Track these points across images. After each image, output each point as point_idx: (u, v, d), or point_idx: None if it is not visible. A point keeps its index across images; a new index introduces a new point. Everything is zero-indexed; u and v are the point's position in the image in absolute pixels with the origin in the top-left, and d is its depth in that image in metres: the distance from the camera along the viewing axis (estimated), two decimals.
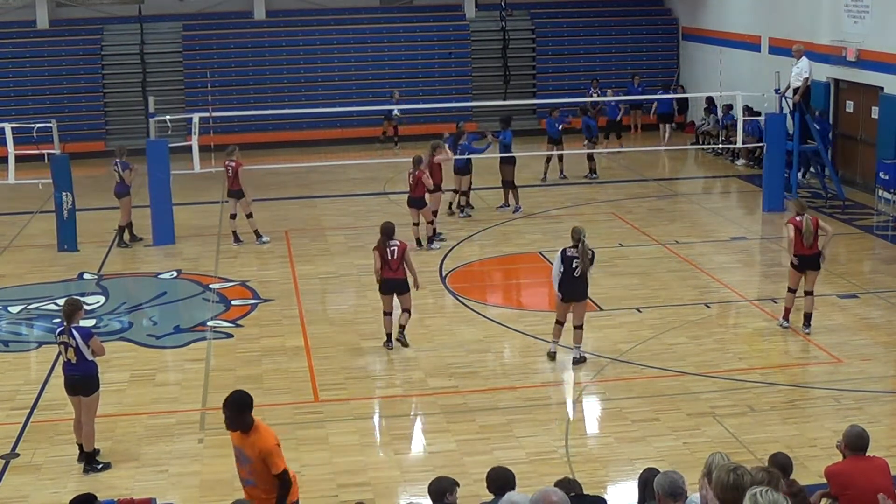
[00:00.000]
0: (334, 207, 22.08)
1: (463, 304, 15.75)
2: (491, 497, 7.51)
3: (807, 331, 13.86)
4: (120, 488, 10.23)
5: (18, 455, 11.10)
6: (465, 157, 20.11)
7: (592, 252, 12.97)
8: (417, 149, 20.84)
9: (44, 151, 18.82)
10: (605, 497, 8.87)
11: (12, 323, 15.47)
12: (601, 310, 15.17)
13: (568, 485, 7.22)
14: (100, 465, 10.72)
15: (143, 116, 24.96)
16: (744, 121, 21.79)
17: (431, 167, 18.68)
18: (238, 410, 7.86)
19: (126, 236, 19.21)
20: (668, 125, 28.22)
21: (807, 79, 20.48)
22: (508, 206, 20.86)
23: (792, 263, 13.78)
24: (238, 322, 15.15)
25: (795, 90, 20.57)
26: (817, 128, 21.16)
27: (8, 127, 18.87)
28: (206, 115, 22.28)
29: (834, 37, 22.39)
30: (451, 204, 20.65)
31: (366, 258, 17.84)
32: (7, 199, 22.34)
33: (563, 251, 12.83)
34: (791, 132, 21.08)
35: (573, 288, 12.90)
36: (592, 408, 12.27)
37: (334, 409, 12.09)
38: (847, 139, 22.66)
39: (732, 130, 24.16)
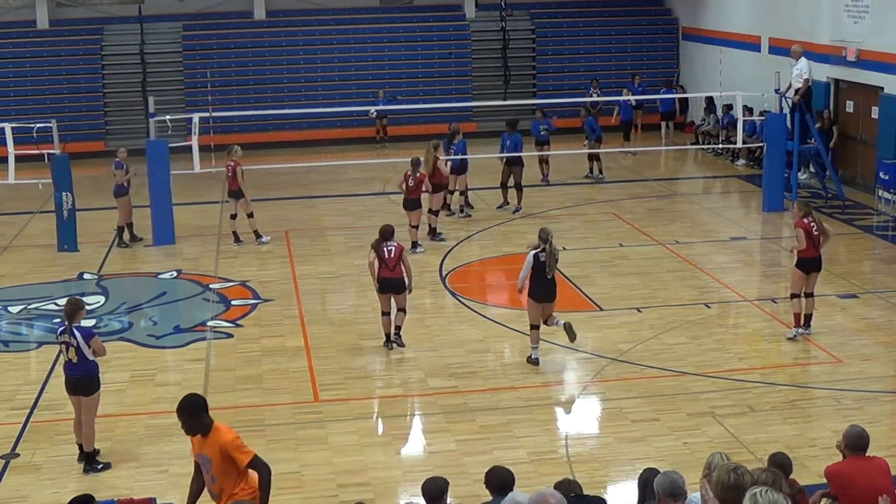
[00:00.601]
0: (334, 207, 22.08)
1: (463, 304, 15.75)
2: (490, 497, 7.50)
3: (807, 331, 13.85)
4: (120, 488, 10.23)
5: (18, 455, 11.10)
6: (459, 157, 20.14)
7: (557, 252, 13.02)
8: (417, 149, 20.87)
9: (44, 151, 18.83)
10: (605, 497, 8.88)
11: (12, 323, 15.47)
12: (601, 310, 15.18)
13: (567, 486, 7.22)
14: (100, 465, 10.72)
15: (143, 116, 24.95)
16: (743, 120, 21.80)
17: (434, 165, 18.78)
18: (192, 412, 7.66)
19: (126, 236, 19.21)
20: (670, 122, 28.20)
21: (807, 79, 20.49)
22: (508, 204, 20.85)
23: (799, 266, 13.70)
24: (238, 322, 15.15)
25: (796, 91, 20.58)
26: (818, 125, 21.16)
27: (8, 127, 18.88)
28: (206, 115, 22.29)
29: (834, 37, 22.40)
30: (450, 204, 20.66)
31: (366, 258, 17.86)
32: (7, 199, 22.33)
33: (536, 255, 12.84)
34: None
35: (548, 289, 12.96)
36: (592, 408, 12.27)
37: (334, 409, 12.08)
38: (847, 139, 22.66)
39: (732, 130, 24.17)
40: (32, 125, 18.89)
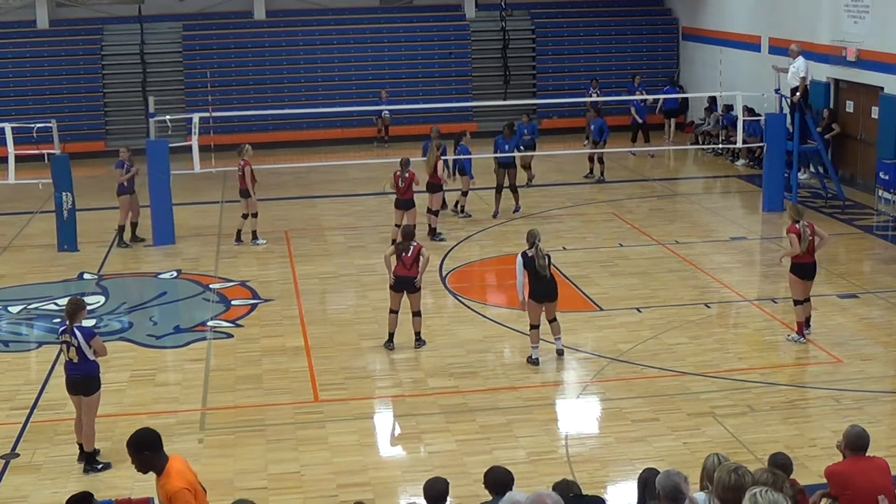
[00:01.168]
0: (334, 207, 22.09)
1: (463, 304, 15.76)
2: (490, 497, 7.50)
3: (807, 332, 13.84)
4: (120, 488, 10.22)
5: (18, 455, 11.10)
6: (463, 157, 20.14)
7: (544, 253, 13.02)
8: (417, 149, 20.87)
9: (44, 151, 18.82)
10: (605, 497, 8.88)
11: (12, 323, 15.47)
12: (601, 310, 15.19)
13: (567, 486, 7.21)
14: (100, 465, 10.72)
15: (143, 116, 24.95)
16: (743, 120, 21.81)
17: (436, 165, 18.80)
18: (138, 450, 6.92)
19: (127, 235, 19.21)
20: (673, 120, 28.17)
21: (804, 78, 20.48)
22: (499, 213, 20.68)
23: (795, 273, 13.62)
24: (238, 322, 15.16)
25: (794, 89, 20.58)
26: (819, 129, 21.16)
27: (8, 127, 18.86)
28: (206, 115, 22.27)
29: (834, 37, 22.39)
30: (454, 203, 20.68)
31: (366, 258, 17.92)
32: (7, 199, 22.32)
33: (524, 255, 12.88)
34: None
35: (546, 288, 13.00)
36: (592, 408, 12.27)
37: (334, 409, 12.08)
38: (847, 139, 22.66)
39: (732, 130, 24.17)
40: (32, 125, 18.88)
